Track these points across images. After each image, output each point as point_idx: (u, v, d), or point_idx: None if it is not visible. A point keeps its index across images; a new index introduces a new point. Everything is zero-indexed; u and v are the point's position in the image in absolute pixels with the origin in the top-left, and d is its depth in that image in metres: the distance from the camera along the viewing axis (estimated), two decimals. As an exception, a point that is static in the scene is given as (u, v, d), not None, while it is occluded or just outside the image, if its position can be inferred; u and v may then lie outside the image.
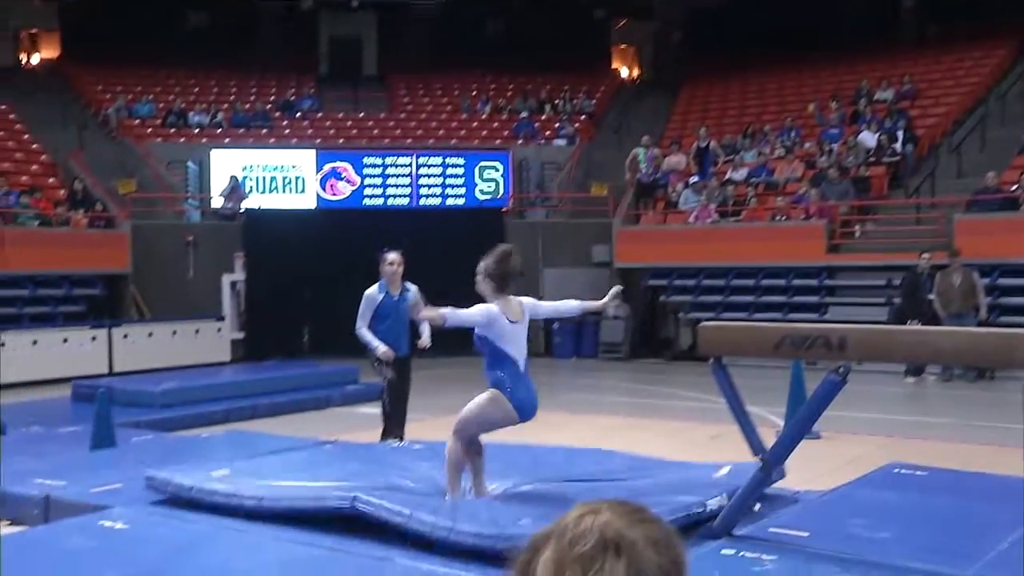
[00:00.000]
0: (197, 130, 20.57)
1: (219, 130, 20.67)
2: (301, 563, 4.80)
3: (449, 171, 20.10)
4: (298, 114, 22.04)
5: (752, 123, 20.17)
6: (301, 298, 17.00)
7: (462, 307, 5.45)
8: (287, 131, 21.30)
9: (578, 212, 19.58)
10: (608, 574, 1.17)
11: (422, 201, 19.64)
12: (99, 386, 10.24)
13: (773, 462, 5.01)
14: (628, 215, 18.11)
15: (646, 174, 18.42)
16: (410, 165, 19.96)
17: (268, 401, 11.02)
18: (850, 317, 13.70)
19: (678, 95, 23.73)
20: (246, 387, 11.62)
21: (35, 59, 24.39)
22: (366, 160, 19.86)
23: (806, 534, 5.04)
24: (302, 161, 19.61)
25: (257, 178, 19.33)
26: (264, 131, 20.90)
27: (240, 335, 16.91)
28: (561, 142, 21.17)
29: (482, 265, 5.49)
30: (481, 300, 5.51)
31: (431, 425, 8.87)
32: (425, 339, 7.75)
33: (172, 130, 20.48)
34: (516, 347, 5.48)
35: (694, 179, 18.13)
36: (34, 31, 24.72)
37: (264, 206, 18.36)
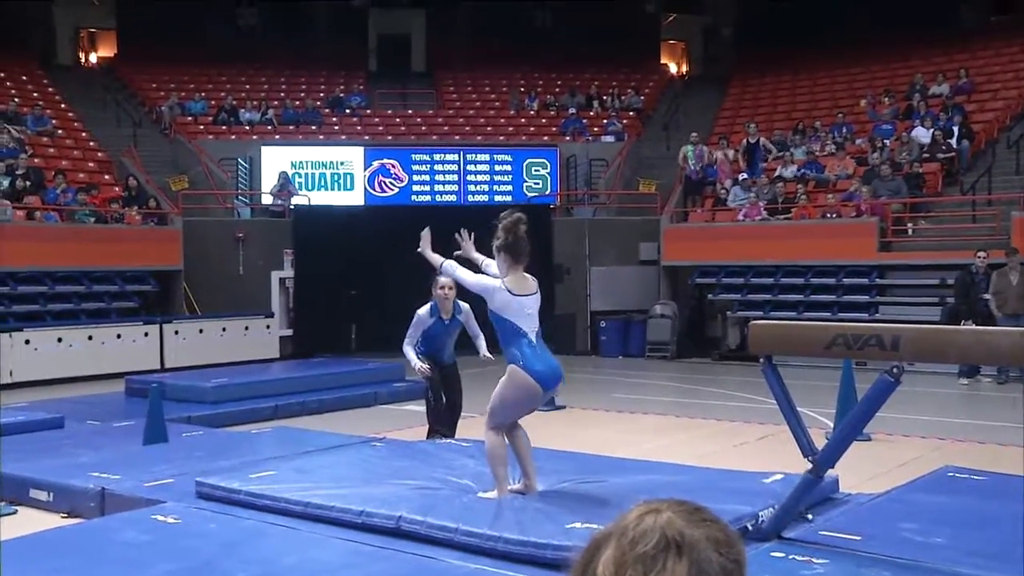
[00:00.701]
0: (248, 127, 20.80)
1: (269, 127, 20.87)
2: (349, 561, 4.83)
3: (497, 168, 20.12)
4: (347, 111, 22.20)
5: (802, 119, 19.95)
6: (349, 295, 17.13)
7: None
8: (336, 128, 21.45)
9: (625, 209, 19.49)
10: (669, 574, 1.17)
11: (470, 198, 19.69)
12: (151, 382, 10.40)
13: (824, 464, 4.95)
14: (676, 212, 17.99)
15: (694, 171, 18.29)
16: (458, 162, 20.01)
17: (316, 398, 11.12)
18: (901, 317, 13.51)
19: (727, 91, 23.54)
20: (294, 384, 11.72)
21: (92, 58, 24.84)
22: (414, 157, 19.95)
23: (858, 537, 4.97)
24: (351, 158, 19.75)
25: (306, 175, 19.50)
26: (314, 128, 21.08)
27: (288, 332, 17.07)
28: (609, 138, 21.09)
29: (495, 242, 5.48)
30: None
31: (481, 423, 8.89)
32: (482, 352, 7.82)
33: (223, 127, 20.72)
34: (525, 320, 5.44)
35: (743, 176, 17.97)
36: (92, 30, 25.19)
37: (313, 203, 18.51)
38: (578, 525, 4.86)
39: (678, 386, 14.14)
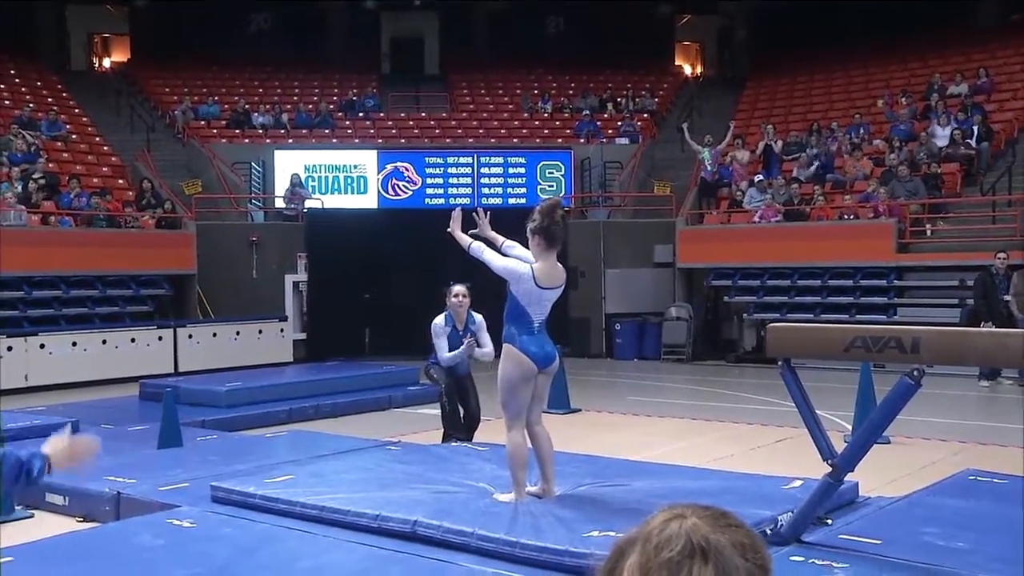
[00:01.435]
0: (261, 131, 20.86)
1: (282, 131, 20.94)
2: (366, 565, 4.83)
3: (511, 170, 20.12)
4: (360, 114, 22.24)
5: (819, 120, 19.87)
6: (362, 298, 17.15)
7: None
8: (349, 131, 21.49)
9: (640, 211, 19.46)
10: None
11: (484, 200, 19.65)
12: (166, 386, 10.44)
13: (844, 468, 4.92)
14: (691, 214, 17.95)
15: (710, 173, 18.25)
16: (472, 164, 20.02)
17: (330, 402, 11.13)
18: (920, 319, 13.43)
19: (743, 92, 23.48)
20: (309, 388, 11.72)
21: (106, 63, 24.98)
22: (428, 159, 19.97)
23: (878, 542, 4.94)
24: (364, 161, 19.77)
25: (320, 178, 19.54)
26: (327, 131, 21.13)
27: (302, 335, 17.10)
28: (623, 141, 21.06)
29: (529, 224, 5.50)
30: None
31: (498, 426, 8.88)
32: (483, 354, 7.77)
33: (236, 131, 20.80)
34: (537, 310, 5.54)
35: (759, 177, 17.92)
36: (106, 35, 25.33)
37: (326, 206, 18.55)
38: (595, 533, 4.84)
39: (694, 389, 14.09)
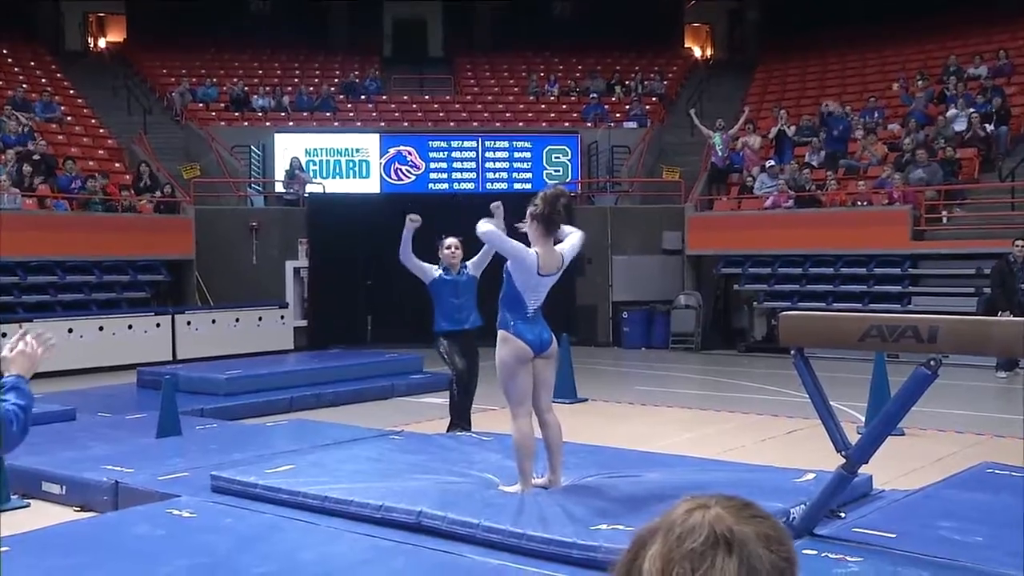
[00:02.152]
0: (261, 114, 20.84)
1: (282, 114, 20.92)
2: (368, 556, 4.84)
3: (516, 155, 20.09)
4: (362, 97, 22.21)
5: (832, 103, 19.78)
6: (365, 285, 17.15)
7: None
8: (351, 114, 21.47)
9: (648, 197, 19.42)
10: (719, 571, 1.16)
11: (488, 186, 19.66)
12: (164, 373, 10.46)
13: (857, 460, 4.91)
14: (701, 200, 17.92)
15: (721, 158, 18.21)
16: (476, 148, 20.00)
17: (332, 390, 11.14)
18: (936, 308, 13.40)
19: (754, 75, 23.41)
20: (310, 376, 11.72)
21: (101, 43, 24.93)
22: (431, 144, 19.95)
23: (893, 535, 4.93)
24: (366, 145, 19.76)
25: (321, 162, 19.53)
26: (328, 114, 21.10)
27: (303, 323, 17.12)
28: (631, 124, 21.02)
29: (530, 208, 5.56)
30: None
31: (503, 416, 8.88)
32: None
33: (236, 114, 20.78)
34: (534, 296, 5.63)
35: (770, 163, 17.87)
36: (101, 15, 25.28)
37: (328, 191, 18.54)
38: (604, 526, 4.84)
39: (703, 378, 14.11)
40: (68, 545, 5.07)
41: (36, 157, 15.99)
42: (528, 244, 5.64)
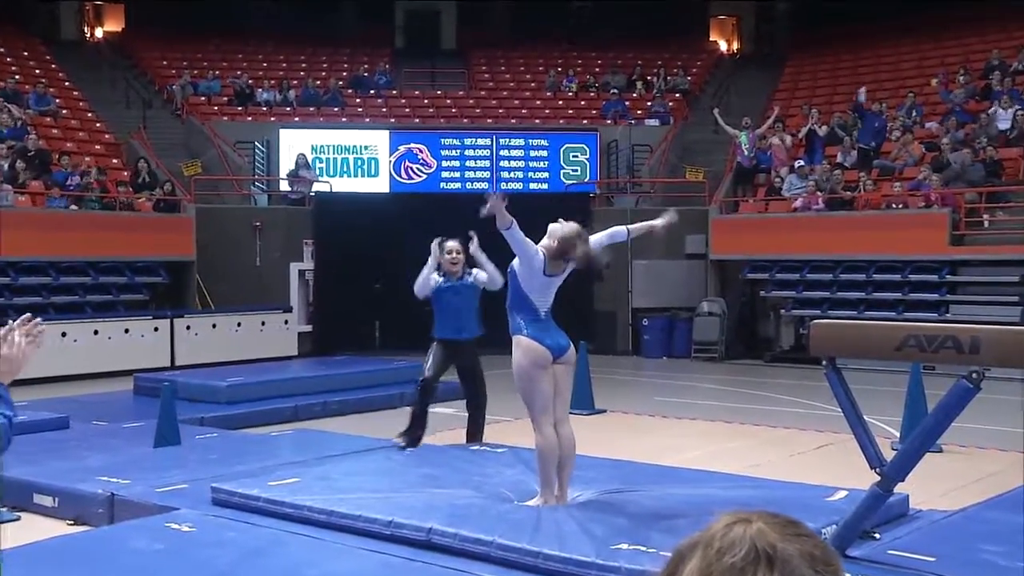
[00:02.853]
0: (265, 108, 20.89)
1: (288, 108, 20.96)
2: (377, 573, 4.83)
3: (532, 153, 20.07)
4: (371, 91, 22.24)
5: (866, 100, 19.71)
6: (373, 289, 17.17)
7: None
8: (360, 110, 21.50)
9: (671, 199, 19.32)
10: None
11: (503, 185, 19.62)
12: (162, 380, 10.47)
13: (893, 477, 4.88)
14: (726, 202, 17.88)
15: (747, 158, 18.16)
16: (490, 147, 19.99)
17: (339, 399, 11.16)
18: (976, 317, 13.30)
19: (783, 70, 23.34)
20: (315, 383, 11.76)
21: (98, 33, 25.02)
22: (444, 141, 19.95)
23: (931, 559, 4.90)
24: (376, 142, 19.77)
25: (328, 160, 19.56)
26: (335, 109, 21.14)
27: (308, 328, 17.15)
28: (653, 122, 20.98)
29: (545, 239, 5.76)
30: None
31: (516, 428, 8.87)
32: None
33: (239, 108, 20.84)
34: (541, 297, 5.75)
35: (799, 163, 17.81)
36: (98, 3, 25.36)
37: (335, 189, 18.57)
38: (625, 546, 4.83)
39: (727, 389, 14.05)
40: (60, 561, 5.08)
41: (31, 152, 16.07)
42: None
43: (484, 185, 19.70)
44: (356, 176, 19.50)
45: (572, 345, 5.86)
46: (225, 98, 21.24)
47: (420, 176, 19.69)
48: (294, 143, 19.25)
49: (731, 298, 17.52)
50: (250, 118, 20.50)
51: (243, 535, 5.38)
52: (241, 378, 11.39)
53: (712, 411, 11.50)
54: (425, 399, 7.87)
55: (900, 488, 5.20)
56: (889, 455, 5.21)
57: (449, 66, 24.15)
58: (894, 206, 15.97)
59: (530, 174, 20.01)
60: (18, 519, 6.42)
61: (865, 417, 5.17)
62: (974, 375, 4.52)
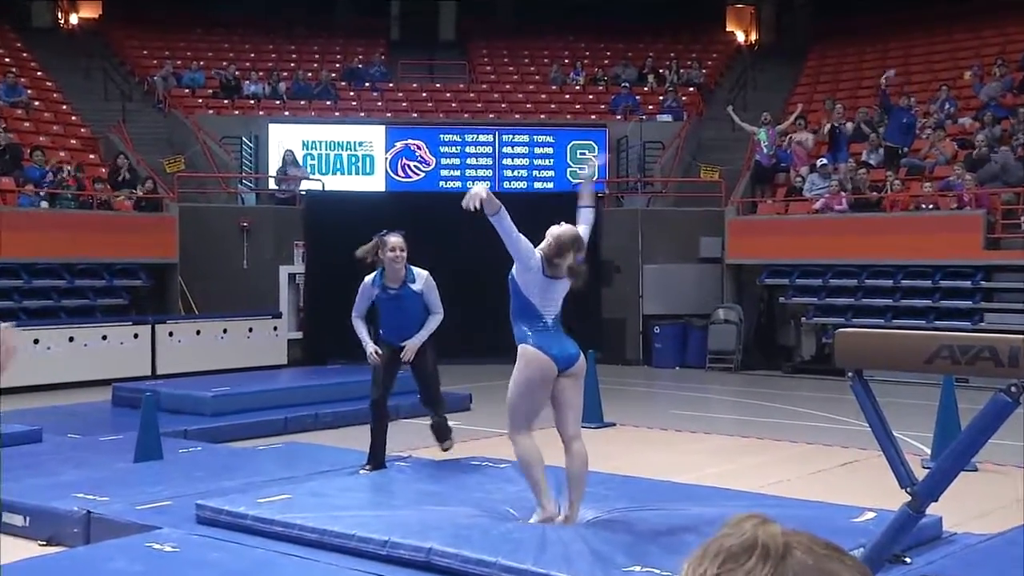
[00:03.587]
0: (253, 102, 20.91)
1: (277, 102, 20.98)
2: (372, 598, 4.82)
3: (537, 150, 20.09)
4: (366, 84, 22.26)
5: (893, 94, 19.71)
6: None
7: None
8: (354, 103, 21.53)
9: (684, 199, 19.39)
10: (744, 571, 1.16)
11: (505, 184, 19.66)
12: (143, 390, 10.46)
13: (925, 497, 4.86)
14: (743, 203, 17.88)
15: (767, 156, 18.16)
16: (492, 143, 20.01)
17: (331, 410, 11.15)
18: (1012, 326, 13.30)
19: (804, 62, 23.35)
20: (307, 394, 11.76)
21: (73, 19, 25.02)
22: (443, 137, 19.97)
23: (966, 584, 4.88)
24: (371, 137, 19.79)
25: (320, 156, 19.57)
26: (328, 103, 21.16)
27: (299, 335, 17.16)
28: (666, 117, 20.99)
29: (543, 243, 5.74)
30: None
31: (503, 443, 8.85)
32: (410, 343, 7.54)
33: (225, 101, 20.85)
34: (544, 301, 5.68)
35: (822, 161, 17.80)
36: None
37: (327, 188, 18.57)
38: (637, 568, 4.81)
39: (744, 402, 14.06)
40: (35, 582, 5.06)
41: (1, 147, 16.06)
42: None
43: (486, 184, 19.69)
44: (350, 174, 19.52)
45: (582, 355, 5.82)
46: (210, 90, 21.25)
47: (418, 174, 19.70)
48: (283, 139, 19.27)
49: (748, 305, 17.52)
50: (237, 112, 20.52)
51: (230, 556, 5.37)
52: (227, 388, 11.39)
53: (728, 425, 11.52)
54: (377, 418, 7.73)
55: (932, 509, 5.17)
56: (920, 474, 5.18)
57: (449, 57, 24.17)
58: (924, 207, 15.96)
59: (535, 172, 20.02)
60: (-13, 539, 6.41)
61: (895, 432, 5.15)
62: (1013, 388, 4.50)
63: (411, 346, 7.52)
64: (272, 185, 18.96)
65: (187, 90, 21.19)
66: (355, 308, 7.69)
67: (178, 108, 20.27)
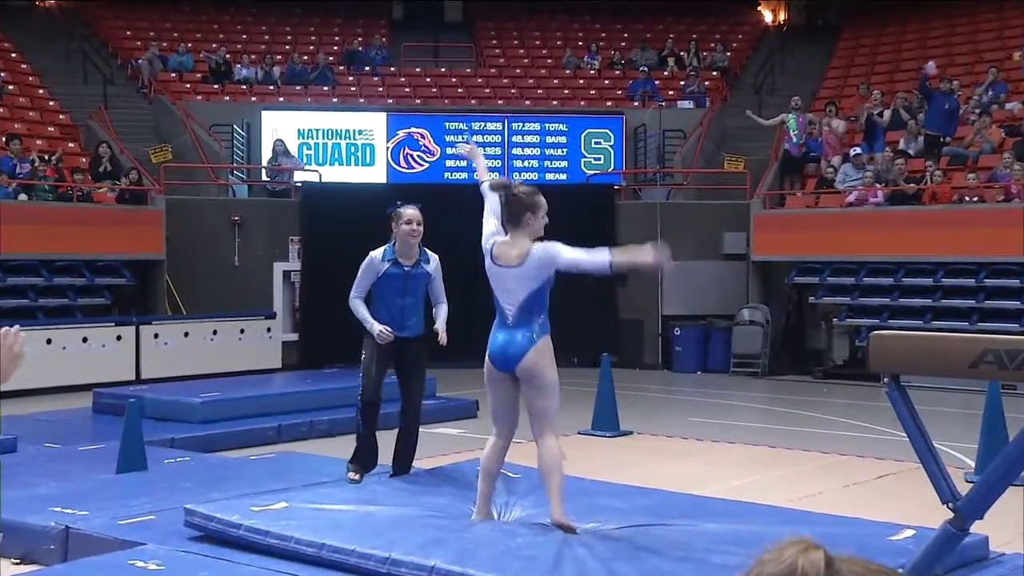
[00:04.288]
0: (245, 87, 20.95)
1: (271, 87, 21.02)
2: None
3: (549, 139, 20.10)
4: (367, 68, 22.29)
5: (935, 78, 19.64)
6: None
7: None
8: (353, 89, 21.57)
9: (707, 191, 19.38)
10: None
11: (515, 176, 19.67)
12: (126, 396, 10.47)
13: (969, 514, 4.83)
14: (770, 196, 17.86)
15: (796, 145, 18.13)
16: (501, 132, 20.02)
17: (328, 417, 11.14)
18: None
19: (837, 43, 23.31)
20: (301, 400, 11.76)
21: (52, -1, 25.06)
22: (448, 125, 19.98)
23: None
24: (371, 125, 19.81)
25: (316, 145, 19.60)
26: (325, 89, 21.19)
27: (294, 337, 17.18)
28: (687, 104, 21.00)
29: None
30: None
31: (527, 449, 8.82)
32: (440, 327, 7.53)
33: (215, 87, 20.89)
34: (500, 292, 5.81)
35: (856, 151, 17.76)
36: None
37: (325, 179, 18.60)
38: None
39: (771, 409, 14.06)
40: (8, 603, 5.06)
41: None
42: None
43: (495, 175, 19.69)
44: (349, 164, 19.55)
45: (529, 358, 5.71)
46: (199, 75, 21.30)
47: (421, 165, 19.72)
48: (277, 127, 19.30)
49: (775, 305, 17.50)
50: (227, 98, 20.56)
51: (220, 573, 5.36)
52: (217, 394, 11.40)
53: (754, 434, 11.51)
54: (369, 421, 7.68)
55: (977, 527, 5.14)
56: (963, 488, 5.15)
57: (455, 39, 24.21)
58: (967, 200, 15.93)
59: (547, 163, 20.02)
60: (-45, 557, 6.41)
61: (934, 442, 5.12)
62: (1064, 395, 4.48)
63: (443, 329, 7.50)
64: (266, 176, 18.98)
65: (174, 74, 21.23)
66: (355, 286, 7.61)
67: (164, 93, 20.32)
